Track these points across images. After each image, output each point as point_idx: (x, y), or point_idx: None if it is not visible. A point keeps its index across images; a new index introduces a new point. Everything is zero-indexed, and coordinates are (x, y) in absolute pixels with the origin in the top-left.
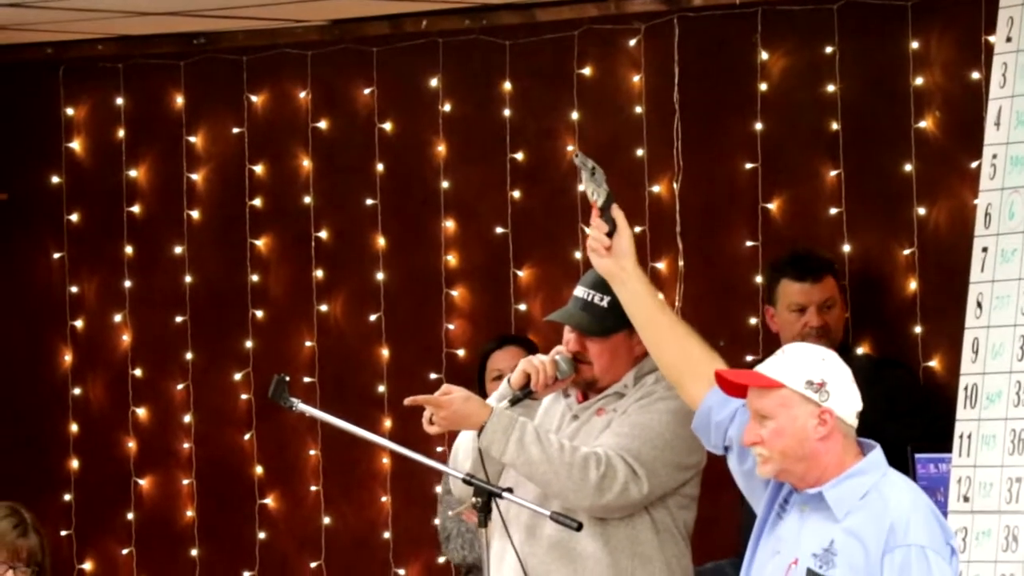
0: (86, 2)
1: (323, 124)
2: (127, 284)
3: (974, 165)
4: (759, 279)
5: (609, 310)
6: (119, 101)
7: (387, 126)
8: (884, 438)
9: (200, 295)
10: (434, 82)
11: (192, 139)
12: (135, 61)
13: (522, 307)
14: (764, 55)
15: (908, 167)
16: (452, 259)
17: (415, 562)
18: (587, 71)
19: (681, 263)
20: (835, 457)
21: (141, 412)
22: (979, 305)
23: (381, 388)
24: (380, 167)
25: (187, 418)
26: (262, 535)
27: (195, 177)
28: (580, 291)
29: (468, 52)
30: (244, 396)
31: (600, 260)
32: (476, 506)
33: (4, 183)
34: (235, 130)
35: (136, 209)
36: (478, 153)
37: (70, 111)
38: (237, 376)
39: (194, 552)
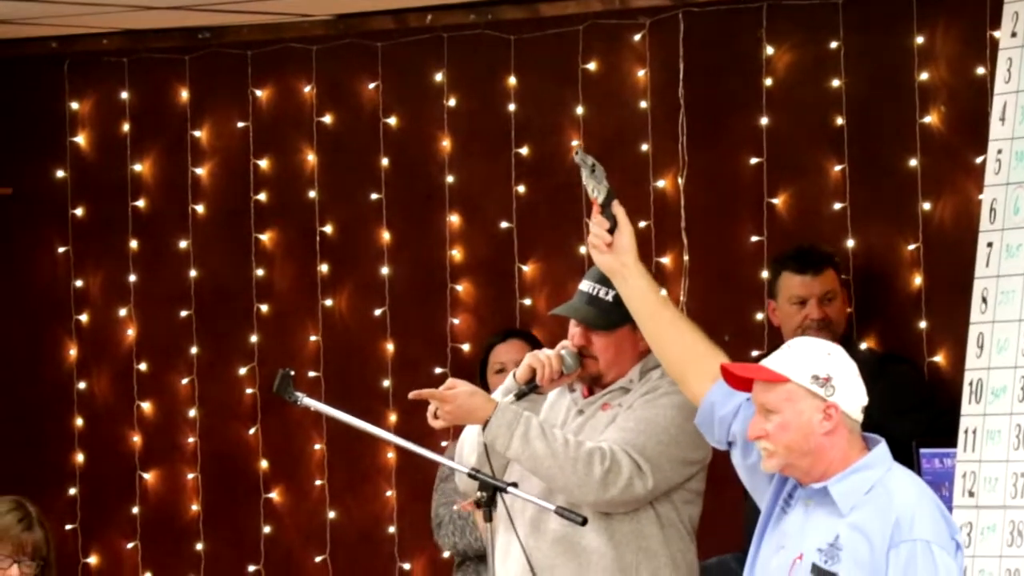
0: None
1: (328, 119)
2: (132, 278)
3: (979, 160)
4: (764, 274)
5: (614, 304)
6: (124, 95)
7: (392, 121)
8: (888, 433)
9: (205, 289)
10: (439, 77)
11: (197, 133)
12: (140, 55)
13: (527, 302)
14: (769, 50)
15: (913, 162)
16: (457, 254)
17: (420, 556)
18: (592, 66)
19: (686, 258)
20: (840, 452)
21: (146, 406)
22: (984, 300)
23: (386, 382)
24: (385, 162)
25: (192, 412)
26: (267, 529)
27: (200, 171)
28: (585, 285)
29: (473, 47)
30: (249, 390)
31: (601, 257)
32: (481, 501)
33: (9, 177)
34: (240, 124)
35: (141, 203)
36: (483, 148)
37: (75, 105)
38: (242, 370)
39: (199, 546)
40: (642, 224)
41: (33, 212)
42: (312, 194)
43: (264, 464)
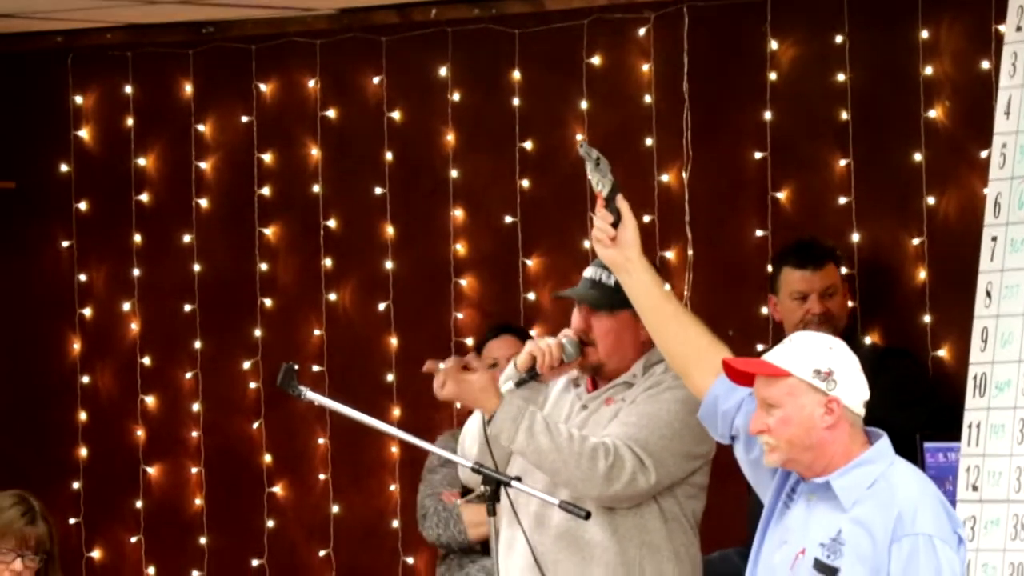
0: None
1: (332, 113)
2: (136, 272)
3: (984, 154)
4: (768, 268)
5: (616, 288)
6: (128, 89)
7: (396, 115)
8: (890, 427)
9: (209, 284)
10: (443, 71)
11: (201, 128)
12: (144, 49)
13: (531, 296)
14: (774, 44)
15: (918, 156)
16: (461, 248)
17: (424, 551)
18: (596, 60)
19: (690, 252)
20: (842, 446)
21: (150, 400)
22: (988, 294)
23: (390, 377)
24: (389, 156)
25: (196, 406)
26: (271, 523)
27: (204, 166)
28: (589, 271)
29: (477, 41)
30: (253, 384)
31: (605, 251)
32: (485, 495)
33: (13, 172)
34: (244, 119)
35: (145, 198)
36: (487, 142)
37: (79, 99)
38: (246, 364)
39: (203, 540)
40: (646, 218)
41: (37, 206)
42: (316, 188)
43: (268, 458)
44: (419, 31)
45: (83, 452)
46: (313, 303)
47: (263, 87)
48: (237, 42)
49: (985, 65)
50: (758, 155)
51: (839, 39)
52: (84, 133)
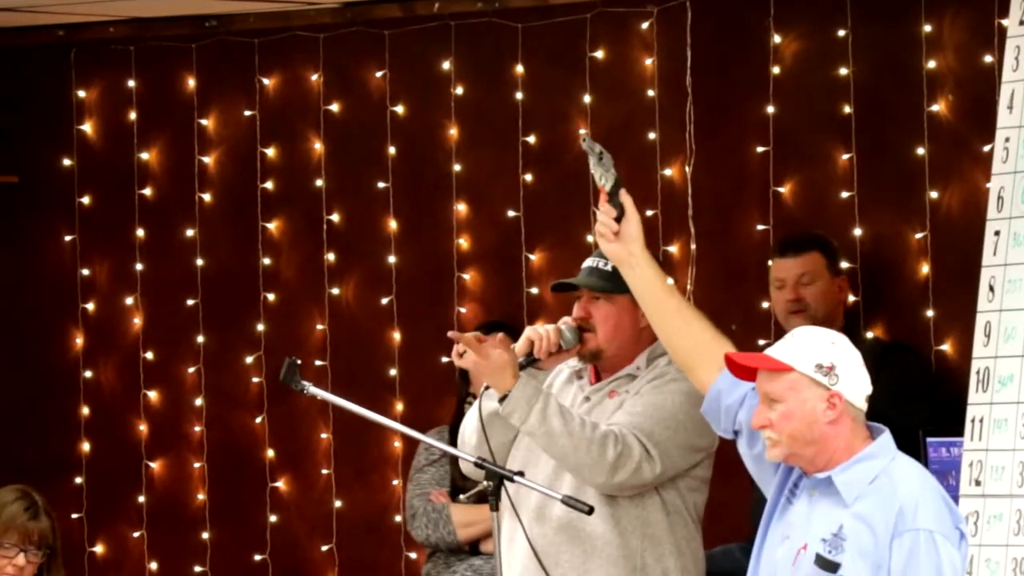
0: None
1: (335, 107)
2: (139, 267)
3: (987, 148)
4: (771, 263)
5: (614, 273)
6: (131, 84)
7: (399, 109)
8: (891, 423)
9: (212, 278)
10: (446, 65)
11: (204, 122)
12: (147, 43)
13: (534, 290)
14: (777, 38)
15: (921, 150)
16: (464, 242)
17: None
18: (599, 54)
19: (693, 246)
20: (844, 441)
21: (152, 395)
22: (991, 289)
23: (392, 371)
24: (392, 150)
25: (198, 401)
26: (273, 518)
27: (207, 160)
28: (588, 261)
29: (480, 35)
30: (255, 379)
31: (608, 245)
32: (487, 490)
33: (16, 166)
34: (247, 113)
35: (148, 192)
36: (490, 136)
37: (81, 94)
38: (248, 359)
39: (205, 535)
40: (649, 213)
41: (40, 200)
42: (319, 182)
43: (271, 453)
44: (422, 25)
45: (85, 447)
46: (316, 297)
47: (266, 81)
48: (240, 36)
49: (988, 59)
50: (761, 149)
51: (842, 33)
52: (87, 127)
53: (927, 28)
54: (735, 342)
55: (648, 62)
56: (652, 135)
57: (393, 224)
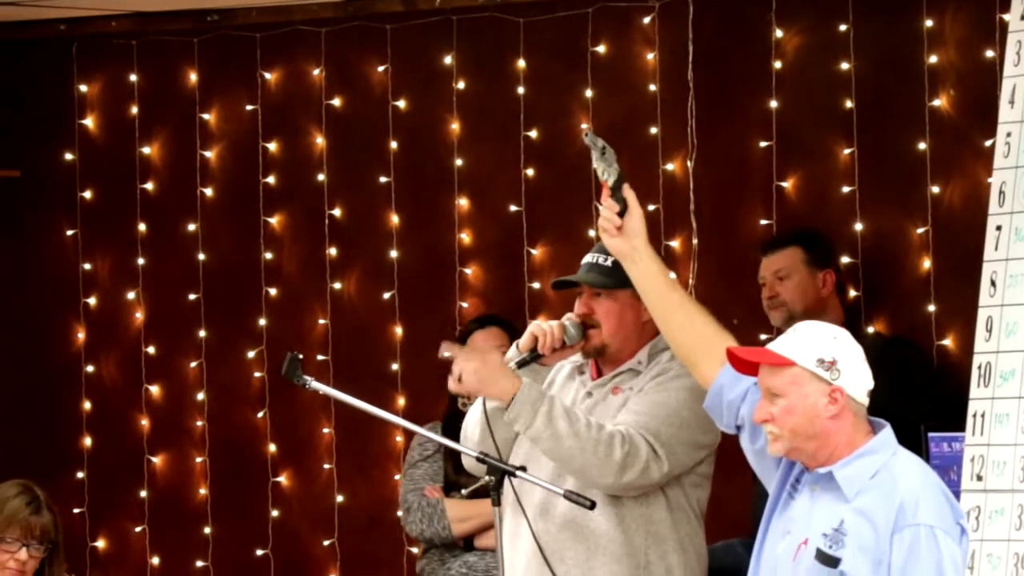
0: None
1: (337, 101)
2: (140, 261)
3: (988, 143)
4: None
5: (614, 268)
6: (132, 78)
7: (401, 104)
8: (892, 417)
9: (213, 273)
10: (448, 60)
11: (206, 116)
12: (149, 38)
13: (535, 285)
14: (778, 33)
15: (922, 145)
16: (466, 237)
17: None
18: (601, 49)
19: (695, 241)
20: (846, 436)
21: (154, 390)
22: (993, 283)
23: (394, 366)
24: (394, 145)
25: (200, 396)
26: (275, 513)
27: (209, 154)
28: (587, 257)
29: (482, 30)
30: (257, 374)
31: (611, 240)
32: (489, 484)
33: (17, 160)
34: (249, 107)
35: (149, 186)
36: (492, 131)
37: (83, 88)
38: (250, 354)
39: (207, 530)
40: (651, 207)
41: (42, 195)
42: (321, 177)
43: (272, 448)
44: (424, 19)
45: (87, 441)
46: (318, 292)
47: (268, 76)
48: (242, 30)
49: (989, 54)
50: (763, 144)
51: (843, 28)
52: (89, 122)
53: (928, 23)
54: (737, 337)
55: (650, 57)
56: (654, 130)
57: (395, 219)
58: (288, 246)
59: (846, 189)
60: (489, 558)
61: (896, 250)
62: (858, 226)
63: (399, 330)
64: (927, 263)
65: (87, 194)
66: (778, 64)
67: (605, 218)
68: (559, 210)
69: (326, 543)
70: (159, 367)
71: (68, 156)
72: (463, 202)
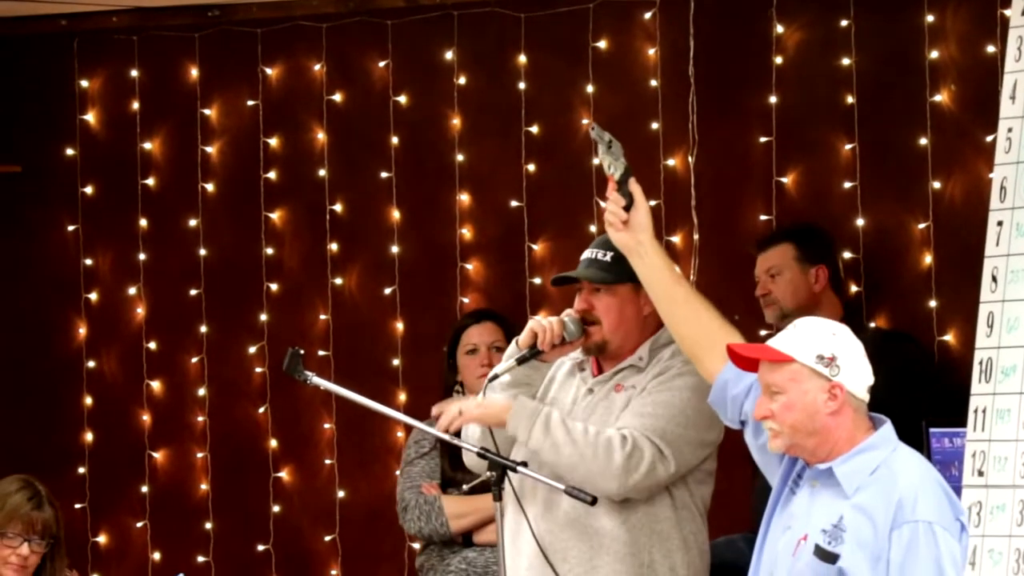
0: None
1: (338, 97)
2: (142, 257)
3: (989, 139)
4: None
5: (613, 263)
6: (134, 73)
7: (402, 99)
8: (890, 412)
9: (215, 268)
10: (449, 55)
11: (207, 112)
12: (150, 33)
13: (536, 281)
14: (779, 28)
15: (923, 141)
16: (467, 232)
17: None
18: (602, 44)
19: (696, 237)
20: (846, 432)
21: (155, 385)
22: (994, 279)
23: (396, 361)
24: (395, 140)
25: (201, 391)
26: (276, 508)
27: (210, 150)
28: (586, 252)
29: (483, 25)
30: (259, 369)
31: (617, 234)
32: (490, 480)
33: (18, 155)
34: (250, 103)
35: (151, 182)
36: (493, 126)
37: (84, 83)
38: (252, 349)
39: (208, 525)
40: (652, 203)
41: (42, 190)
42: (322, 172)
43: (273, 443)
44: (425, 15)
45: (89, 437)
46: (319, 287)
47: (269, 71)
48: (243, 26)
49: (991, 49)
50: (764, 139)
51: (845, 23)
52: (90, 117)
53: (930, 18)
54: (739, 332)
55: (651, 52)
56: (655, 125)
57: (396, 214)
58: (289, 241)
59: (847, 185)
60: (489, 554)
61: (897, 246)
62: (859, 222)
63: (400, 326)
64: (928, 259)
65: (88, 189)
66: (779, 60)
67: (611, 212)
68: (560, 206)
69: (327, 538)
70: (160, 362)
71: (69, 151)
72: (464, 198)
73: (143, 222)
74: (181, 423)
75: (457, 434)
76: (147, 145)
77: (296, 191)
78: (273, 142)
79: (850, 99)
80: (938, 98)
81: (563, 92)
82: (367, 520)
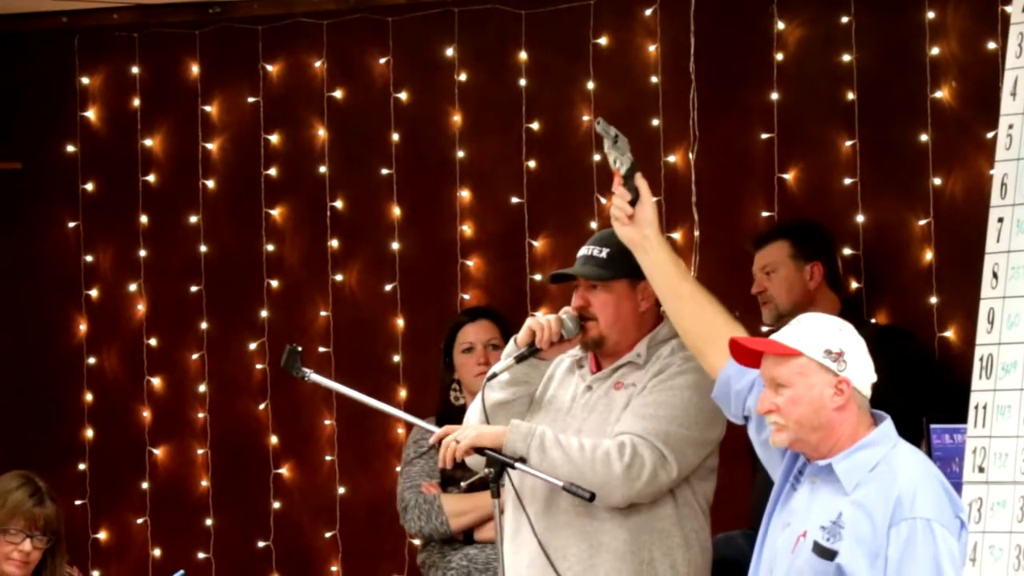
0: None
1: (338, 94)
2: (142, 253)
3: (990, 135)
4: None
5: (609, 260)
6: (134, 70)
7: (403, 96)
8: (888, 407)
9: (215, 265)
10: (450, 52)
11: (207, 108)
12: (150, 30)
13: (537, 277)
14: (780, 25)
15: (924, 137)
16: (467, 229)
17: None
18: (603, 41)
19: (697, 233)
20: (849, 428)
21: (156, 382)
22: (995, 275)
23: (396, 358)
24: (395, 137)
25: (202, 388)
26: (277, 505)
27: (210, 146)
28: (583, 249)
29: (484, 22)
30: (259, 366)
31: (622, 229)
32: (488, 477)
33: (19, 152)
34: (250, 99)
35: (151, 178)
36: (494, 123)
37: (85, 80)
38: (252, 346)
39: (209, 521)
40: (653, 199)
41: (43, 187)
42: (322, 169)
43: (274, 440)
44: (426, 11)
45: (89, 433)
46: (319, 284)
47: (270, 68)
48: (244, 23)
49: (992, 46)
50: (764, 136)
51: (845, 20)
52: (91, 114)
53: (930, 15)
54: (744, 328)
55: (652, 49)
56: (656, 122)
57: (396, 211)
58: (290, 238)
59: (848, 181)
60: (489, 550)
61: (898, 242)
62: (860, 218)
63: (400, 322)
64: (929, 255)
65: (89, 186)
66: (780, 56)
67: (617, 207)
68: (561, 202)
69: (328, 535)
70: (161, 359)
71: (70, 148)
72: (465, 194)
73: (144, 219)
74: (181, 419)
75: (461, 465)
76: (148, 142)
77: (297, 187)
78: (274, 139)
79: (851, 95)
80: (939, 94)
81: (564, 89)
82: (367, 516)
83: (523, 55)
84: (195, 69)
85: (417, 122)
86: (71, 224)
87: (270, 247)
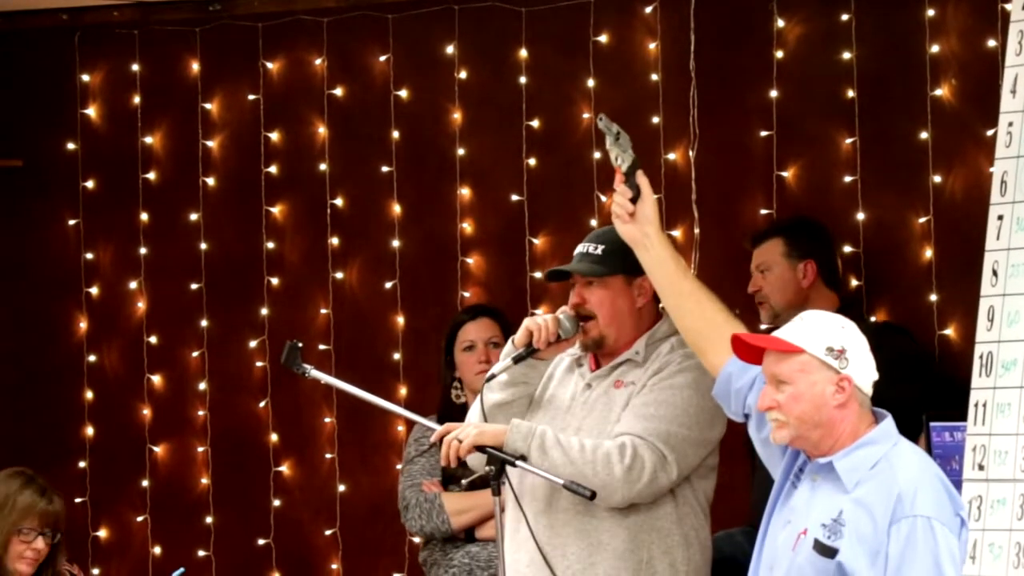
0: None
1: (339, 91)
2: (142, 251)
3: (990, 133)
4: None
5: (604, 256)
6: (135, 68)
7: (403, 93)
8: (886, 404)
9: (215, 262)
10: (450, 49)
11: (208, 106)
12: (151, 27)
13: (537, 275)
14: (780, 22)
15: (924, 135)
16: (468, 227)
17: None
18: (603, 38)
19: (697, 231)
20: (850, 425)
21: (156, 379)
22: (995, 273)
23: (396, 355)
24: (396, 134)
25: (202, 385)
26: (277, 503)
27: (211, 144)
28: (579, 247)
29: (484, 19)
30: (259, 363)
31: (623, 226)
32: (489, 474)
33: (20, 150)
34: (251, 97)
35: (152, 176)
36: (494, 121)
37: (85, 77)
38: (252, 343)
39: (209, 519)
40: (654, 196)
41: (44, 184)
42: (323, 167)
43: (274, 437)
44: (426, 9)
45: (89, 431)
46: (320, 282)
47: (270, 65)
48: (244, 20)
49: (991, 43)
50: (764, 133)
51: (845, 17)
52: (91, 111)
53: (930, 12)
54: (744, 325)
55: (652, 46)
56: (656, 119)
57: (397, 208)
58: (290, 236)
59: (848, 179)
60: (491, 548)
61: (898, 240)
62: (860, 216)
63: (401, 320)
64: (929, 253)
65: (89, 183)
66: (780, 54)
67: (618, 204)
68: (561, 200)
69: (328, 532)
70: (161, 357)
71: (70, 145)
72: (465, 192)
73: (144, 216)
74: (182, 417)
75: (461, 463)
76: (148, 139)
77: (297, 185)
78: (274, 136)
79: (851, 93)
80: (939, 92)
81: (564, 86)
82: (368, 514)
83: (523, 53)
84: (195, 66)
85: (417, 120)
86: (71, 221)
87: (270, 245)
